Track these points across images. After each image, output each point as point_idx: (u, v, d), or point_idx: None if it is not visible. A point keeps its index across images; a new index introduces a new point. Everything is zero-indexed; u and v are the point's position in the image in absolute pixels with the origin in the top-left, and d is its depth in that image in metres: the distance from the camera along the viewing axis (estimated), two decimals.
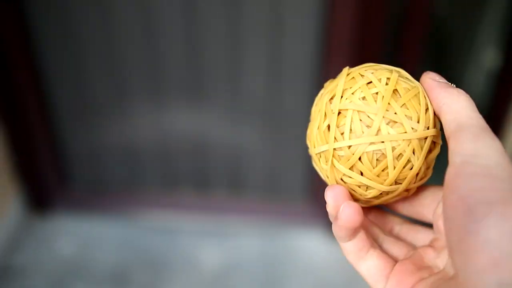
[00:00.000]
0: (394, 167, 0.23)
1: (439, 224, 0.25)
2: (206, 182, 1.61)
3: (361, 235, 0.25)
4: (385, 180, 0.24)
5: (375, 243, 0.26)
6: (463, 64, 1.49)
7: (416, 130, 0.23)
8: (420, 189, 0.27)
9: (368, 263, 0.25)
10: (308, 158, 1.27)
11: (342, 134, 0.24)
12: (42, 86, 1.39)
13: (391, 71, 0.25)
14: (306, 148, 0.38)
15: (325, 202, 0.27)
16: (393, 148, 0.23)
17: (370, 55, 1.18)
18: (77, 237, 1.61)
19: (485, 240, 0.17)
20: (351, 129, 0.24)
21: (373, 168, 0.24)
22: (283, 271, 1.48)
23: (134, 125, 1.48)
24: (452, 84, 0.25)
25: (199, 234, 1.59)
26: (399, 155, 0.23)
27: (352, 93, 0.24)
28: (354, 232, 0.25)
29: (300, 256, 1.53)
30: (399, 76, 0.24)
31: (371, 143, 0.23)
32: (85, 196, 1.67)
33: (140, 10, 1.25)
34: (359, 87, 0.24)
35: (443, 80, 0.25)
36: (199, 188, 1.62)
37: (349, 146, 0.24)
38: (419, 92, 0.24)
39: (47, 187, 1.63)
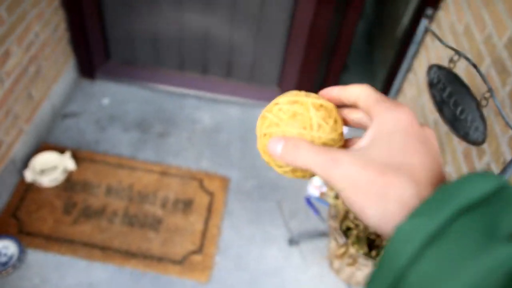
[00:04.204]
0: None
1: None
2: (207, 67, 1.96)
3: None
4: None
5: None
6: None
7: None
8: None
9: None
10: (281, 55, 1.73)
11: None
12: None
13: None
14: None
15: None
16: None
17: None
18: (115, 95, 1.98)
19: None
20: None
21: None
22: (254, 132, 1.81)
23: (160, 19, 1.79)
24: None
25: (199, 101, 1.98)
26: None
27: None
28: None
29: None
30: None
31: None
32: (121, 68, 2.02)
33: None
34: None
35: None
36: (202, 70, 1.97)
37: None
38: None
39: (94, 60, 1.97)
